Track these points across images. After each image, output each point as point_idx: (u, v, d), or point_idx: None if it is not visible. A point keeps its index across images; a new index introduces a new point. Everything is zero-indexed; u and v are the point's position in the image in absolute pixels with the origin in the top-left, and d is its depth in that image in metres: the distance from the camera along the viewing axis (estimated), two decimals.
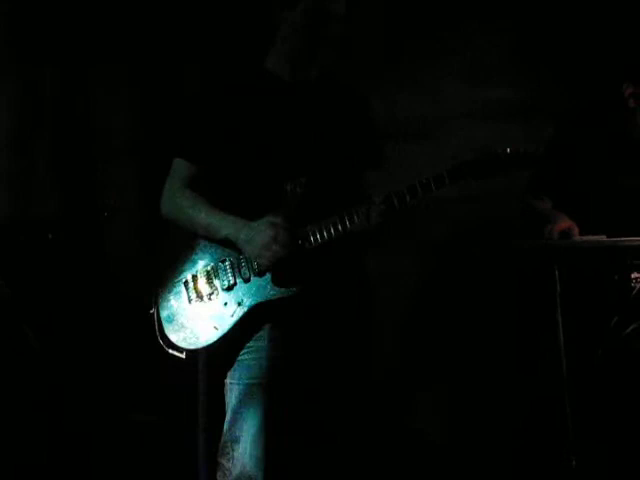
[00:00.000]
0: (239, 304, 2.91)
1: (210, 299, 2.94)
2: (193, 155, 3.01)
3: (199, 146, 3.00)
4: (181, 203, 3.00)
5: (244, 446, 2.90)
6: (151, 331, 2.95)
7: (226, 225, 2.93)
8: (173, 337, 2.93)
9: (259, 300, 2.91)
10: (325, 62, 3.00)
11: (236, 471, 2.90)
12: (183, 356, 2.92)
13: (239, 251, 2.92)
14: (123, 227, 3.99)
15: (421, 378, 3.88)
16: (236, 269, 2.93)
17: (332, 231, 2.87)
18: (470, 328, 3.75)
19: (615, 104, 3.52)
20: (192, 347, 2.92)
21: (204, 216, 2.95)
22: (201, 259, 2.98)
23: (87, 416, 3.65)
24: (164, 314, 2.96)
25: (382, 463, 3.23)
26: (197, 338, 2.92)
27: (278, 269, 2.89)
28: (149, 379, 3.66)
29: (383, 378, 3.76)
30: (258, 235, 2.87)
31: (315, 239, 2.88)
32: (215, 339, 2.91)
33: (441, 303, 3.93)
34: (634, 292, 3.38)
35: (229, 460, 2.92)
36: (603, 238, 3.32)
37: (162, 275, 3.00)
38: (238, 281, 2.93)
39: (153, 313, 2.97)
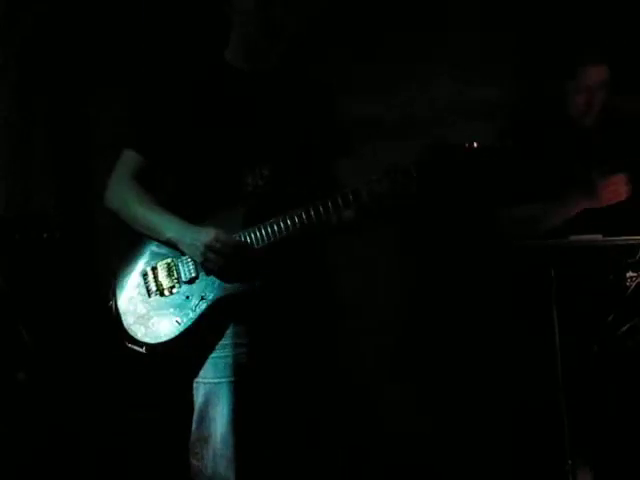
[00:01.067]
0: (202, 298, 2.83)
1: (172, 292, 2.85)
2: (145, 148, 2.91)
3: (152, 139, 2.91)
4: (127, 198, 2.90)
5: (214, 446, 2.85)
6: (110, 324, 2.86)
7: (170, 227, 2.85)
8: (132, 331, 2.84)
9: (221, 294, 2.82)
10: (279, 49, 2.91)
11: (208, 472, 2.86)
12: (143, 350, 2.83)
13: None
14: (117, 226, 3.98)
15: (415, 377, 3.88)
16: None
17: (282, 230, 2.79)
18: (465, 327, 3.75)
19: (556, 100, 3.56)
20: (152, 342, 2.83)
21: (149, 214, 2.87)
22: (160, 250, 2.89)
23: (81, 414, 3.64)
24: (122, 307, 2.86)
25: (361, 460, 3.22)
26: (157, 332, 2.83)
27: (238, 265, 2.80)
28: (142, 376, 3.63)
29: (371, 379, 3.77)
30: (200, 240, 2.79)
31: (265, 238, 2.80)
32: (177, 333, 2.82)
33: (436, 302, 3.93)
34: (629, 291, 3.39)
35: (199, 460, 2.88)
36: (598, 237, 3.32)
37: (120, 265, 2.90)
38: (200, 274, 2.84)
39: (111, 306, 2.87)
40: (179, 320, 2.83)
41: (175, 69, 3.02)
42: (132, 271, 2.90)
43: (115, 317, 2.86)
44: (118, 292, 2.89)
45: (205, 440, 2.87)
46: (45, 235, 3.71)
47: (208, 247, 2.78)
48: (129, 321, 2.86)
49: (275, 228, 2.81)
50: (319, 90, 3.02)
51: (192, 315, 2.84)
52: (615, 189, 3.44)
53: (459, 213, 3.82)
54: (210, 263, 2.80)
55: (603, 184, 3.44)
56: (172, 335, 2.83)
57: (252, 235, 2.82)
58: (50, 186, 4.04)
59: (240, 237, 2.82)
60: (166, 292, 2.86)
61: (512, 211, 3.49)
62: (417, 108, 4.08)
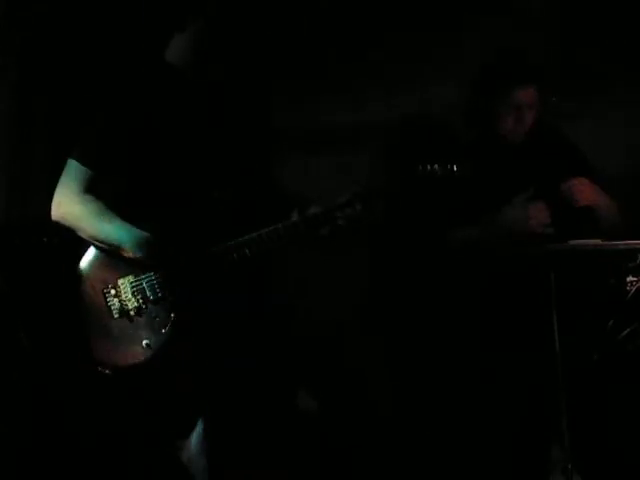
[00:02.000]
0: (170, 316, 2.76)
1: (139, 314, 2.76)
2: (90, 161, 2.82)
3: (97, 152, 2.82)
4: (84, 210, 2.82)
5: (189, 453, 2.83)
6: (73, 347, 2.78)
7: (133, 243, 2.76)
8: (97, 354, 2.76)
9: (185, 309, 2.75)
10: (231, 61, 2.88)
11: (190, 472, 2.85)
12: (109, 372, 2.74)
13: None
14: None
15: (414, 385, 3.88)
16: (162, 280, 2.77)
17: (247, 251, 2.77)
18: (465, 331, 3.74)
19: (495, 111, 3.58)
20: (120, 367, 2.74)
21: (108, 230, 2.78)
22: (118, 264, 2.80)
23: (77, 415, 3.65)
24: (87, 328, 2.77)
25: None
26: (126, 357, 2.74)
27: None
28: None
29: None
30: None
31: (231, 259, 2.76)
32: (148, 357, 2.74)
33: (435, 306, 3.92)
34: (629, 295, 3.38)
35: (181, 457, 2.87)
36: (598, 241, 3.32)
37: (77, 282, 2.82)
38: (167, 292, 2.76)
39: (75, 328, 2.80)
40: (149, 343, 2.76)
41: (124, 77, 2.94)
42: (90, 290, 2.80)
43: (77, 335, 2.79)
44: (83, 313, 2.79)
45: (181, 447, 2.86)
46: (45, 240, 3.70)
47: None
48: (91, 342, 2.77)
49: (251, 243, 2.77)
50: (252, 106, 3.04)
51: (163, 335, 2.76)
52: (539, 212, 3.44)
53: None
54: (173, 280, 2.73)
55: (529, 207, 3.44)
56: (142, 359, 2.76)
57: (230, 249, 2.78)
58: (50, 189, 4.03)
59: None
60: (132, 312, 2.76)
61: (455, 233, 3.51)
62: (417, 109, 4.08)
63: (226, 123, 2.90)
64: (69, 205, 2.85)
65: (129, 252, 2.77)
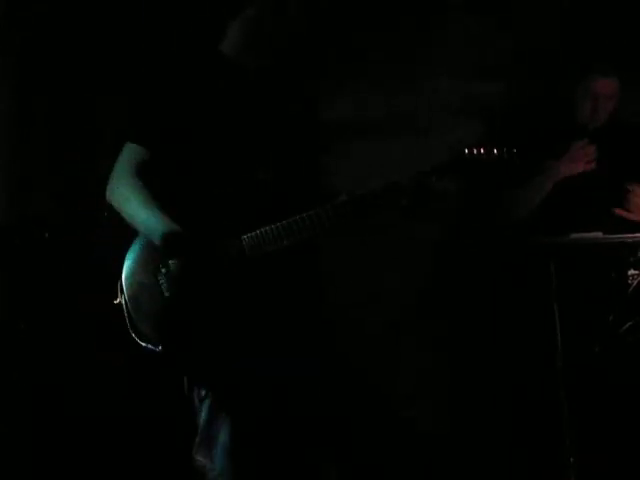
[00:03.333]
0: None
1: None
2: (147, 140, 2.84)
3: (154, 131, 2.84)
4: (128, 195, 2.83)
5: (223, 444, 2.82)
6: (121, 321, 2.77)
7: (155, 232, 2.76)
8: (145, 329, 2.77)
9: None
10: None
11: (216, 470, 2.83)
12: (159, 349, 2.75)
13: None
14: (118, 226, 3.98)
15: (418, 371, 3.88)
16: None
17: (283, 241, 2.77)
18: (466, 323, 3.75)
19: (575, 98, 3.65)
20: (169, 345, 2.76)
21: (146, 216, 2.79)
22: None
23: (77, 413, 3.65)
24: (133, 306, 2.77)
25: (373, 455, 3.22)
26: (175, 335, 2.76)
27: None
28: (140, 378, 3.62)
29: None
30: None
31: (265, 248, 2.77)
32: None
33: (437, 298, 3.93)
34: (631, 289, 3.39)
35: (206, 457, 2.85)
36: (599, 235, 3.33)
37: (134, 261, 2.82)
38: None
39: (120, 303, 2.79)
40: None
41: (178, 62, 2.96)
42: (148, 268, 2.80)
43: (127, 316, 2.78)
44: (128, 292, 2.80)
45: (214, 438, 2.84)
46: (47, 235, 3.71)
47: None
48: (140, 319, 2.79)
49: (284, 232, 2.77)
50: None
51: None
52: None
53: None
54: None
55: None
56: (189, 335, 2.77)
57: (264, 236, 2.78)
58: (52, 187, 4.03)
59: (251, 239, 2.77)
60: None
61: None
62: (416, 107, 4.08)
63: (272, 107, 2.91)
64: (117, 188, 2.88)
65: (156, 242, 2.79)
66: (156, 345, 2.78)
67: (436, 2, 4.07)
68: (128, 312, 2.79)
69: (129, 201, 2.83)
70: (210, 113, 2.84)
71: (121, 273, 2.82)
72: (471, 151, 2.77)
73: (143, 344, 2.78)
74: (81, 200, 3.92)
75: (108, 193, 2.90)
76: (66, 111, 4.11)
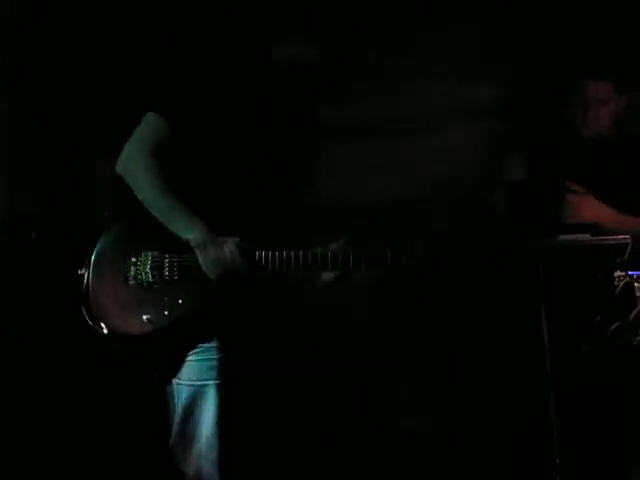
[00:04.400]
0: (178, 301, 2.79)
1: (150, 287, 2.80)
2: (170, 113, 2.84)
3: (178, 105, 2.84)
4: (145, 175, 2.83)
5: (198, 448, 2.84)
6: (75, 294, 2.78)
7: (190, 227, 2.80)
8: (97, 310, 2.78)
9: (199, 303, 2.80)
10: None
11: (191, 474, 2.85)
12: (105, 332, 2.76)
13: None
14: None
15: (406, 376, 3.88)
16: (184, 265, 2.80)
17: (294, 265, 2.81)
18: (454, 326, 3.76)
19: (568, 103, 3.61)
20: (117, 331, 2.77)
21: (170, 202, 2.81)
22: (151, 240, 2.83)
23: (68, 416, 3.64)
24: (94, 282, 2.79)
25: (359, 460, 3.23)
26: (125, 323, 2.78)
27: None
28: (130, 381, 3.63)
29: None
30: (218, 250, 2.78)
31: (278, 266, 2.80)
32: (145, 331, 2.77)
33: (425, 301, 3.93)
34: (617, 290, 3.40)
35: (182, 462, 2.87)
36: (587, 237, 3.33)
37: (104, 240, 2.84)
38: (184, 278, 2.80)
39: (83, 275, 2.81)
40: (150, 318, 2.79)
41: (217, 53, 2.97)
42: (116, 251, 2.83)
43: (84, 290, 2.79)
44: (94, 267, 2.81)
45: (189, 442, 2.86)
46: (33, 235, 3.70)
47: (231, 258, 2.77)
48: (96, 300, 2.79)
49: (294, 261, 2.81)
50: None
51: (165, 317, 2.79)
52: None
53: None
54: (224, 271, 2.78)
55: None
56: (139, 333, 2.79)
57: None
58: (39, 187, 4.03)
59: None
60: (143, 285, 2.80)
61: None
62: (410, 108, 4.08)
63: (278, 111, 2.95)
64: (135, 162, 2.86)
65: (178, 230, 2.81)
66: (101, 328, 2.77)
67: (421, 5, 4.07)
68: (87, 287, 2.79)
69: (148, 183, 2.82)
70: (229, 105, 2.86)
71: (94, 246, 2.82)
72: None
73: (90, 322, 2.78)
74: (69, 200, 3.91)
75: (121, 165, 2.89)
76: (52, 112, 4.10)
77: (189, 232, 2.80)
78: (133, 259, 2.81)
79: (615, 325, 3.37)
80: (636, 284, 3.33)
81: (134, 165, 2.86)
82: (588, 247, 3.30)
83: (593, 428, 3.38)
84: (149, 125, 2.88)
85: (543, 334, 3.26)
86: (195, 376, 2.87)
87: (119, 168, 2.89)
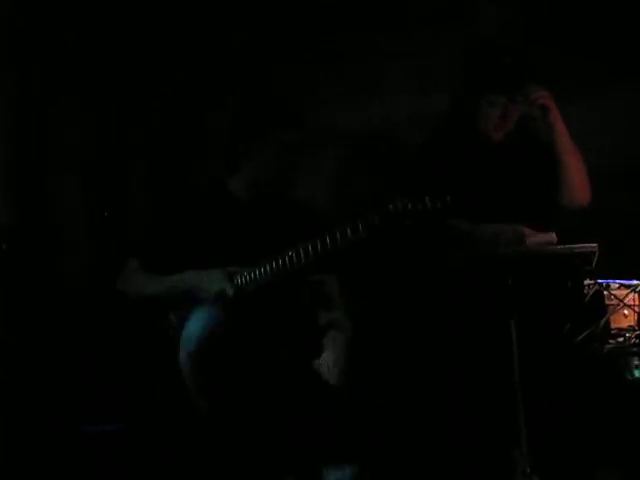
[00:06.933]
0: None
1: None
2: (146, 263, 3.41)
3: (152, 257, 3.40)
4: (146, 280, 3.38)
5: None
6: None
7: (189, 279, 3.30)
8: None
9: None
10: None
11: None
12: None
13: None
14: (74, 238, 4.00)
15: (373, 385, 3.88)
16: None
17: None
18: (422, 334, 3.75)
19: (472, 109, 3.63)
20: None
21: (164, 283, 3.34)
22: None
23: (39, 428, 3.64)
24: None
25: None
26: None
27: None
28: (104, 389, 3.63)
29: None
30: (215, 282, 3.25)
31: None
32: None
33: (394, 312, 3.93)
34: (587, 298, 3.41)
35: None
36: (552, 236, 3.35)
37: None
38: None
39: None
40: None
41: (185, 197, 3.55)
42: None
43: None
44: None
45: None
46: (4, 247, 3.70)
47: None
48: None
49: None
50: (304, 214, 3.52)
51: None
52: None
53: None
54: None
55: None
56: None
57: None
58: (9, 198, 4.02)
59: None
60: None
61: None
62: (375, 118, 4.11)
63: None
64: (133, 277, 3.44)
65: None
66: None
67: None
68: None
69: (154, 280, 3.36)
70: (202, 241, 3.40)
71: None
72: (396, 207, 3.03)
73: None
74: (36, 211, 3.92)
75: (122, 284, 3.45)
76: (25, 122, 4.10)
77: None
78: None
79: (585, 333, 3.38)
80: (605, 292, 3.35)
81: (137, 278, 3.43)
82: (557, 255, 3.31)
83: (563, 435, 3.37)
84: (132, 263, 3.47)
85: (513, 343, 3.27)
86: None
87: (121, 285, 3.46)
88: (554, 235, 3.37)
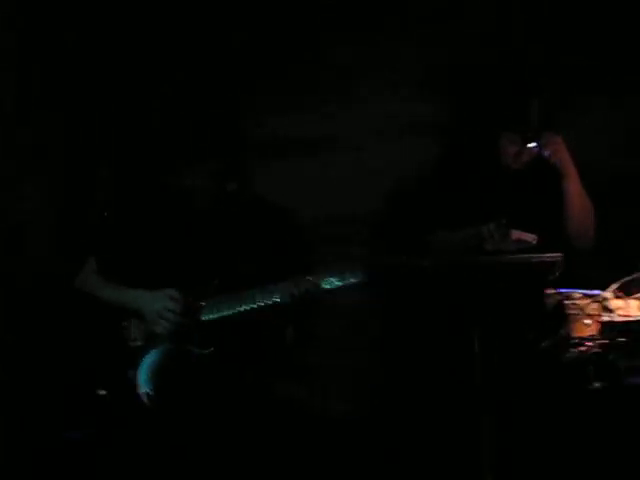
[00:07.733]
0: None
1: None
2: (101, 266, 3.42)
3: (107, 261, 3.41)
4: (101, 283, 3.39)
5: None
6: None
7: (132, 299, 3.31)
8: None
9: None
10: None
11: None
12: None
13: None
14: (39, 231, 3.99)
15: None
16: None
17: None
18: (389, 342, 3.77)
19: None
20: None
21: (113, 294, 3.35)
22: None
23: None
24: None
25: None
26: None
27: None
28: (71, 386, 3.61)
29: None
30: (156, 304, 3.28)
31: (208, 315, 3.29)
32: None
33: (363, 317, 3.95)
34: (549, 307, 3.43)
35: None
36: (534, 237, 3.39)
37: None
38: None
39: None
40: None
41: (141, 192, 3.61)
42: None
43: None
44: None
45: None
46: None
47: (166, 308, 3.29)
48: None
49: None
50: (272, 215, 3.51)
51: None
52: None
53: None
54: (163, 321, 3.29)
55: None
56: None
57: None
58: None
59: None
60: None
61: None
62: (351, 125, 4.12)
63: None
64: (89, 280, 3.44)
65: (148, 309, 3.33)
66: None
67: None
68: None
69: (106, 288, 3.38)
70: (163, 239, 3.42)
71: None
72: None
73: None
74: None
75: (79, 283, 3.44)
76: None
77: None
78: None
79: (547, 342, 3.41)
80: (566, 301, 3.38)
81: (92, 281, 3.44)
82: (520, 264, 3.34)
83: (526, 444, 3.40)
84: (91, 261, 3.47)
85: (475, 351, 3.29)
86: None
87: (78, 285, 3.46)
88: (534, 236, 3.41)
